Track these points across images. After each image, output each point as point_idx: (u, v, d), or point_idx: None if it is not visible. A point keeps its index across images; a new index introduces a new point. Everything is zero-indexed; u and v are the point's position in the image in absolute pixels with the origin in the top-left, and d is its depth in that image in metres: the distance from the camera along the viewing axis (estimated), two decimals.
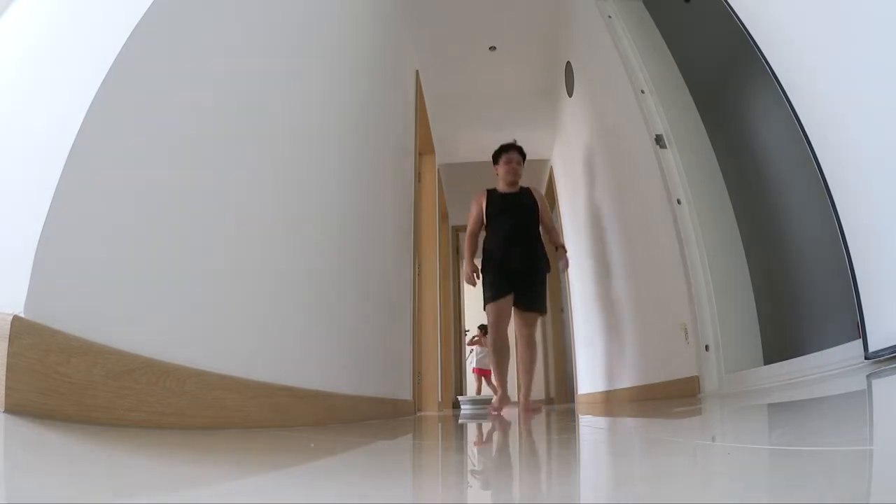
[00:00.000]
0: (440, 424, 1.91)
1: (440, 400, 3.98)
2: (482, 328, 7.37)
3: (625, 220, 2.96)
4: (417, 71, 3.72)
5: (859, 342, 1.21)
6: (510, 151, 3.14)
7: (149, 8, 0.79)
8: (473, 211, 3.13)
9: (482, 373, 7.18)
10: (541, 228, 3.08)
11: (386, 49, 2.66)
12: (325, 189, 1.57)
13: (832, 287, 1.69)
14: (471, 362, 7.37)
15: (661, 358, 2.44)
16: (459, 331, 6.32)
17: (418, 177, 3.72)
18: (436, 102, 4.40)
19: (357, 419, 1.62)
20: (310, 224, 1.43)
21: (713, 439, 0.75)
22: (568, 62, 3.87)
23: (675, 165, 2.29)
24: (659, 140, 2.35)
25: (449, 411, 4.07)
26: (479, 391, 7.03)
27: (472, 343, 7.42)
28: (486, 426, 1.72)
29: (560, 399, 5.40)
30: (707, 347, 2.04)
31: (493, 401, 2.96)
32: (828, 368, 1.37)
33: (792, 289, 2.05)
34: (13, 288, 0.57)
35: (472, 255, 3.10)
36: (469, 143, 4.74)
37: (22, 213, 0.63)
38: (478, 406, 4.92)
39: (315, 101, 1.52)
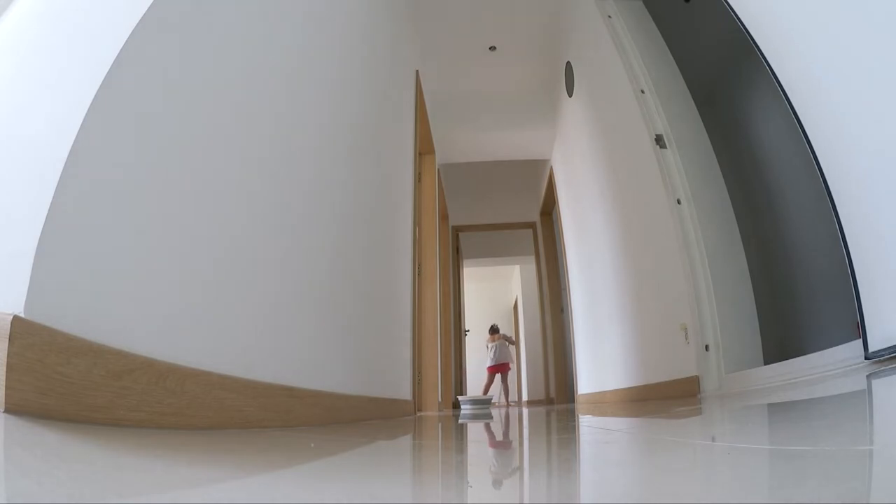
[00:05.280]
0: (440, 424, 1.91)
1: (440, 400, 3.97)
2: (493, 329, 7.27)
3: (625, 220, 2.96)
4: (417, 71, 3.72)
5: (859, 342, 1.21)
6: None
7: (149, 8, 0.79)
8: None
9: (497, 370, 7.04)
10: None
11: (386, 49, 2.66)
12: (325, 189, 1.57)
13: (832, 287, 1.68)
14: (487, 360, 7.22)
15: (662, 358, 2.44)
16: (459, 331, 6.31)
17: (418, 177, 3.71)
18: (436, 102, 4.40)
19: (357, 419, 1.62)
20: (310, 223, 1.43)
21: (713, 439, 0.75)
22: (568, 62, 3.87)
23: (675, 165, 2.29)
24: (659, 140, 2.35)
25: (449, 411, 4.07)
26: (486, 391, 6.91)
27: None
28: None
29: (560, 399, 5.40)
30: (707, 347, 2.04)
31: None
32: (828, 368, 1.37)
33: (792, 289, 2.05)
34: (13, 288, 0.57)
35: None
36: (469, 143, 4.74)
37: (22, 213, 0.63)
38: (478, 406, 4.91)
39: (315, 102, 1.53)
